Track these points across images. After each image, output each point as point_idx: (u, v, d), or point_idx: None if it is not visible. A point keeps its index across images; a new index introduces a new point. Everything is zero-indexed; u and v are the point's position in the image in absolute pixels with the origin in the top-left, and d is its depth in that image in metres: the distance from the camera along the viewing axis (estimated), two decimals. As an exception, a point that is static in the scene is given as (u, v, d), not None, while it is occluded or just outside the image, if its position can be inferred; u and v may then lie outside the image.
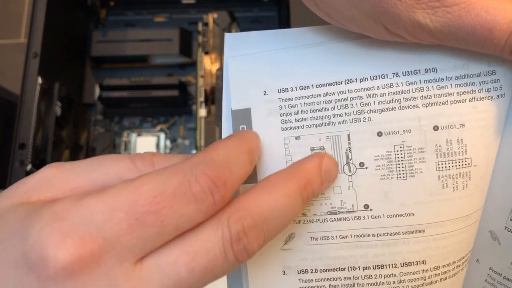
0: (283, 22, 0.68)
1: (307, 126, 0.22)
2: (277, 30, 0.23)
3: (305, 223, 0.22)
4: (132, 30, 0.72)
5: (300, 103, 0.22)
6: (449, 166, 0.21)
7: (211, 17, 0.66)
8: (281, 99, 0.22)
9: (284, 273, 0.23)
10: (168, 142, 0.69)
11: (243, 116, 0.22)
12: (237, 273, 0.23)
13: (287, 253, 0.23)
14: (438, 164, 0.21)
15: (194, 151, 0.68)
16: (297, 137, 0.22)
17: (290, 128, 0.22)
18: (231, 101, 0.23)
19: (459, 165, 0.21)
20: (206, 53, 0.65)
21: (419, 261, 0.22)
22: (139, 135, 0.69)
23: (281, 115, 0.22)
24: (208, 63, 0.64)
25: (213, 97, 0.63)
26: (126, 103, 0.68)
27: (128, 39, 0.70)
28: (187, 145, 0.69)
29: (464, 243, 0.22)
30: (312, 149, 0.22)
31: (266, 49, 0.23)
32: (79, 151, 0.65)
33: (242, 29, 0.70)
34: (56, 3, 0.60)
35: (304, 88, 0.22)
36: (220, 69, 0.64)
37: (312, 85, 0.22)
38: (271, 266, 0.23)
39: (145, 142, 0.68)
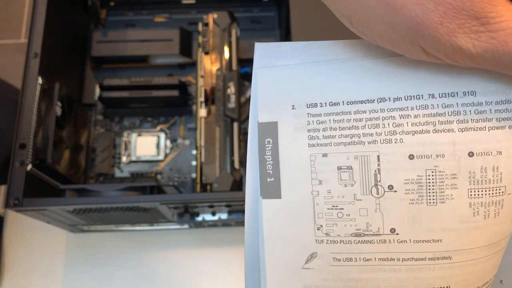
0: (283, 22, 0.68)
1: (335, 144, 0.21)
2: (309, 42, 0.22)
3: (328, 243, 0.22)
4: (132, 30, 0.72)
5: (329, 120, 0.21)
6: (482, 194, 0.20)
7: (211, 17, 0.66)
8: (309, 115, 0.22)
9: None
10: (168, 142, 0.69)
11: (269, 129, 0.22)
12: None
13: (308, 272, 0.22)
14: (471, 191, 0.20)
15: (194, 151, 0.68)
16: (324, 155, 0.22)
17: (318, 144, 0.22)
18: (258, 113, 0.22)
19: (492, 193, 0.20)
20: (206, 53, 0.65)
21: (444, 287, 0.21)
22: (139, 135, 0.69)
23: (308, 130, 0.22)
24: (208, 63, 0.64)
25: (213, 97, 0.63)
26: (126, 103, 0.68)
27: (128, 39, 0.70)
28: (187, 145, 0.69)
29: (490, 268, 0.22)
30: (339, 168, 0.21)
31: (297, 61, 0.22)
32: (79, 151, 0.65)
33: (242, 29, 0.70)
34: (56, 3, 0.60)
35: (334, 104, 0.21)
36: (220, 69, 0.64)
37: (343, 101, 0.21)
38: (291, 284, 0.22)
39: (145, 142, 0.68)
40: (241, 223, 0.67)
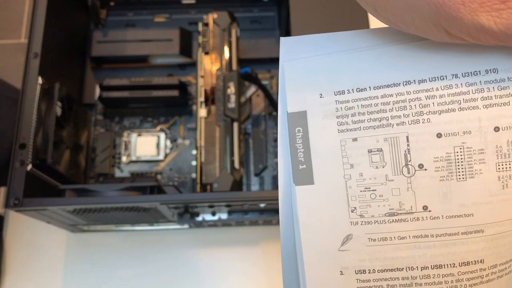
0: (283, 22, 0.68)
1: (364, 128, 0.22)
2: (332, 33, 0.23)
3: (362, 224, 0.23)
4: (132, 30, 0.72)
5: (357, 105, 0.22)
6: (510, 167, 0.21)
7: (211, 17, 0.66)
8: (337, 102, 0.22)
9: (341, 273, 0.23)
10: (168, 142, 0.69)
11: (299, 119, 0.23)
12: (294, 273, 0.24)
13: (345, 254, 0.23)
14: (499, 165, 0.21)
15: (194, 152, 0.68)
16: (354, 139, 0.22)
17: (347, 130, 0.22)
18: (287, 104, 0.23)
19: None
20: (206, 53, 0.65)
21: (477, 261, 0.22)
22: (139, 135, 0.69)
23: (337, 117, 0.22)
24: (208, 63, 0.64)
25: (213, 97, 0.63)
26: (126, 103, 0.68)
27: (128, 39, 0.70)
28: (187, 145, 0.69)
29: None
30: (369, 151, 0.22)
31: (322, 52, 0.23)
32: (79, 151, 0.65)
33: (242, 29, 0.70)
34: (56, 3, 0.60)
35: (361, 90, 0.22)
36: (220, 69, 0.64)
37: (370, 87, 0.22)
38: (329, 267, 0.23)
39: (145, 142, 0.68)
40: (240, 223, 0.67)
